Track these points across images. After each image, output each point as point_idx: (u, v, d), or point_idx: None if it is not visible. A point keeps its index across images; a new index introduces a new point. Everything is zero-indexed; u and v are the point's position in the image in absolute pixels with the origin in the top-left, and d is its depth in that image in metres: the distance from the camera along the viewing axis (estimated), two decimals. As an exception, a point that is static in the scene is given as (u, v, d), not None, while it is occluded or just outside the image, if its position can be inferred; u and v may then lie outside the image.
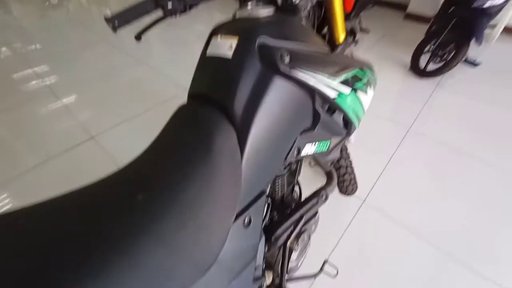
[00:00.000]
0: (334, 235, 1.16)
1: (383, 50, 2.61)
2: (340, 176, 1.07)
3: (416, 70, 2.25)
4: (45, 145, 1.58)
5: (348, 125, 0.63)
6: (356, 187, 1.21)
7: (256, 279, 0.52)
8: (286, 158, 0.51)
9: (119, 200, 0.34)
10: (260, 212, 0.48)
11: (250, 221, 0.45)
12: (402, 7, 3.42)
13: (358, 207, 1.26)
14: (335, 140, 0.64)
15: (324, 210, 1.19)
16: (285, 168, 0.63)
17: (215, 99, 0.44)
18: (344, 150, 0.98)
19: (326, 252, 1.10)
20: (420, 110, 1.91)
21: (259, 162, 0.45)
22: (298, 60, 0.46)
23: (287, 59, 0.44)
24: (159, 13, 0.50)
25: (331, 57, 0.53)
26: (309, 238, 0.72)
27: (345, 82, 0.54)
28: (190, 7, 0.53)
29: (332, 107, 0.56)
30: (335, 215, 1.22)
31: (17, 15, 3.38)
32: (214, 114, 0.43)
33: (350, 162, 1.05)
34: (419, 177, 1.42)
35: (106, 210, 0.32)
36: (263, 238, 0.53)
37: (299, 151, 0.53)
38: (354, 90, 0.57)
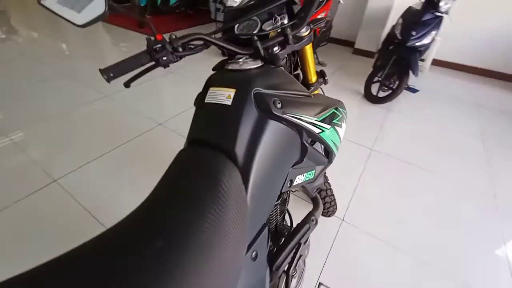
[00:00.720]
0: (321, 255, 1.20)
1: (339, 81, 2.93)
2: (322, 199, 1.15)
3: (369, 97, 2.56)
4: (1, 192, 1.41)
5: (329, 154, 0.72)
6: (336, 208, 1.30)
7: None
8: (281, 190, 0.57)
9: (139, 249, 0.34)
10: (264, 244, 0.52)
11: (257, 254, 0.48)
12: (351, 44, 3.93)
13: (338, 226, 1.34)
14: (319, 168, 0.72)
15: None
16: (278, 199, 0.69)
17: (216, 142, 0.49)
18: (323, 176, 1.08)
19: (315, 273, 1.13)
20: (378, 131, 2.16)
21: (260, 196, 0.49)
22: (288, 105, 0.54)
23: (279, 105, 0.52)
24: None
25: (312, 99, 0.62)
26: (304, 263, 0.76)
27: (325, 120, 0.63)
28: (181, 57, 0.59)
29: (316, 140, 0.64)
30: (318, 235, 1.27)
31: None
32: (217, 155, 0.47)
33: (329, 185, 1.14)
34: (386, 191, 1.58)
35: (130, 262, 0.32)
36: (268, 270, 0.56)
37: (291, 182, 0.59)
38: (333, 125, 0.66)
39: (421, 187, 1.64)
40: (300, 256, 0.69)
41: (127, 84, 0.63)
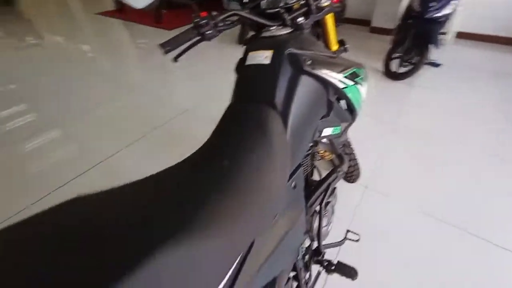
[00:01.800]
0: (345, 219, 1.28)
1: (357, 59, 2.92)
2: (349, 166, 1.22)
3: (389, 74, 2.54)
4: (48, 179, 1.61)
5: (352, 112, 0.79)
6: (359, 173, 1.37)
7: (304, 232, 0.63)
8: (312, 137, 0.66)
9: (212, 166, 0.45)
10: (301, 179, 0.61)
11: (296, 185, 0.58)
12: (366, 23, 3.85)
13: (362, 192, 1.41)
14: (343, 125, 0.79)
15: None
16: (310, 148, 0.77)
17: (259, 95, 0.58)
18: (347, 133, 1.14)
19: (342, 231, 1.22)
20: (400, 106, 2.16)
21: (297, 138, 0.58)
22: (316, 62, 0.62)
23: (309, 62, 0.60)
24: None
25: (336, 59, 0.70)
26: (332, 209, 0.85)
27: (348, 77, 0.71)
28: (221, 31, 0.69)
29: (340, 96, 0.72)
30: (342, 202, 1.35)
31: None
32: (260, 105, 0.56)
33: (352, 149, 1.21)
34: (408, 161, 1.61)
35: (205, 174, 0.43)
36: (304, 203, 0.66)
37: (320, 133, 0.68)
38: (355, 83, 0.73)
39: (447, 158, 1.65)
40: (329, 201, 0.78)
41: (175, 59, 0.74)
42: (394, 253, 1.16)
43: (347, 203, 1.35)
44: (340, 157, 0.86)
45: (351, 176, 1.34)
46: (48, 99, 2.45)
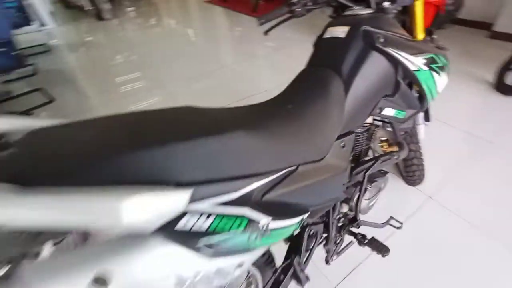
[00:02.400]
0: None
1: (461, 66, 2.54)
2: (409, 160, 1.18)
3: (501, 87, 2.14)
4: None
5: (422, 100, 0.80)
6: (423, 177, 1.28)
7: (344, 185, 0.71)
8: (371, 112, 0.71)
9: (278, 109, 0.59)
10: (350, 143, 0.68)
11: (344, 145, 0.66)
12: (486, 26, 3.24)
13: (424, 200, 1.32)
14: (410, 111, 0.81)
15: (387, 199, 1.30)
16: (369, 125, 0.82)
17: (329, 63, 0.68)
18: (414, 136, 1.10)
19: (387, 233, 1.20)
20: (503, 123, 1.83)
21: (354, 107, 0.66)
22: (389, 42, 0.67)
23: (381, 40, 0.66)
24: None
25: (413, 42, 0.72)
26: (378, 191, 0.88)
27: (423, 61, 0.72)
28: (309, 11, 0.80)
29: (411, 79, 0.74)
30: (398, 205, 1.30)
31: (127, 32, 4.36)
32: (327, 71, 0.66)
33: (420, 147, 1.15)
34: (497, 185, 1.39)
35: (274, 114, 0.56)
36: (349, 168, 0.73)
37: (380, 110, 0.73)
38: (430, 69, 0.74)
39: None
40: (376, 181, 0.81)
41: (266, 32, 0.90)
42: (443, 269, 1.07)
43: (404, 206, 1.30)
44: (399, 144, 0.87)
45: (413, 176, 1.26)
46: (157, 69, 3.05)
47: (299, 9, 0.78)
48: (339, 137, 0.65)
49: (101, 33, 4.38)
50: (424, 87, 0.75)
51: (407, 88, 0.75)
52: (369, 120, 0.81)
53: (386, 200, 1.31)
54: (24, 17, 2.89)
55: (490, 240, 1.16)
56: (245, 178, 0.44)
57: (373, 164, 0.75)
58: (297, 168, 0.55)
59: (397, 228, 0.90)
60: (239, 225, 0.42)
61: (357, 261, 1.12)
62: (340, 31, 0.69)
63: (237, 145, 0.43)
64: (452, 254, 1.11)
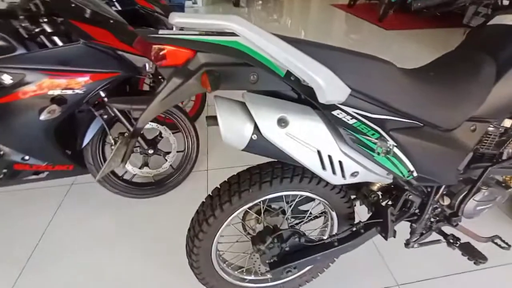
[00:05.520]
0: None
1: None
2: None
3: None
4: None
5: None
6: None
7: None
8: None
9: (418, 72, 0.64)
10: (481, 131, 0.67)
11: (475, 129, 0.67)
12: None
13: None
14: None
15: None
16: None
17: (486, 47, 0.68)
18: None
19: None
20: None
21: (501, 96, 0.65)
22: None
23: None
24: None
25: None
26: (491, 200, 0.81)
27: None
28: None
29: None
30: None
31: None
32: (483, 54, 0.67)
33: None
34: None
35: (415, 73, 0.63)
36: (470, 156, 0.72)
37: None
38: None
39: None
40: (490, 186, 0.76)
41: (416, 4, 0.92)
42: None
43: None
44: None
45: None
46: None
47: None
48: (473, 119, 0.65)
49: (234, 16, 5.06)
50: None
51: None
52: (508, 123, 0.76)
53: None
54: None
55: None
56: (386, 107, 0.54)
57: (496, 163, 0.71)
58: (423, 126, 0.60)
59: (503, 248, 0.81)
60: (373, 135, 0.54)
61: (429, 274, 1.05)
62: (509, 19, 0.69)
63: (388, 73, 0.52)
64: None
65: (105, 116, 1.12)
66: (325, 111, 0.50)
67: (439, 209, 0.83)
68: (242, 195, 0.68)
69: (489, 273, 1.05)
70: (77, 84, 0.96)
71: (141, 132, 1.26)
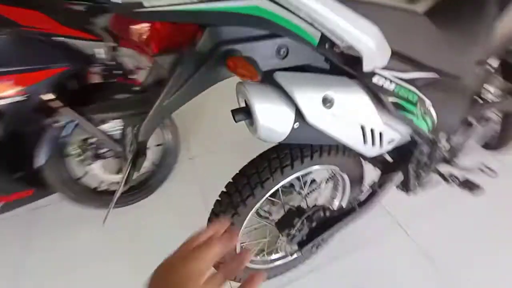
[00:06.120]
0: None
1: None
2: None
3: None
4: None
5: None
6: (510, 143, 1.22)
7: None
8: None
9: (439, 26, 0.60)
10: (485, 72, 0.68)
11: (480, 72, 0.67)
12: None
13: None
14: None
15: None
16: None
17: None
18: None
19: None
20: None
21: (503, 33, 0.64)
22: None
23: None
24: None
25: None
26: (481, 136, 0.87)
27: None
28: None
29: None
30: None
31: None
32: None
33: None
34: None
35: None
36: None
37: None
38: None
39: None
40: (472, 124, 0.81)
41: None
42: None
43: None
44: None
45: (506, 135, 1.19)
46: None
47: None
48: (479, 63, 0.65)
49: None
50: None
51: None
52: (495, 63, 0.79)
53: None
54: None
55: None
56: (415, 63, 0.49)
57: (488, 102, 0.75)
58: (441, 78, 0.58)
59: (490, 175, 0.91)
60: (413, 97, 0.50)
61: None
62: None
63: (420, 27, 0.47)
64: None
65: (60, 123, 0.90)
66: (366, 80, 0.43)
67: (441, 154, 0.88)
68: (265, 184, 0.62)
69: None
70: (12, 89, 0.73)
71: (109, 135, 1.08)
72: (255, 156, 0.67)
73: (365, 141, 0.51)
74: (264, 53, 0.37)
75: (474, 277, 0.99)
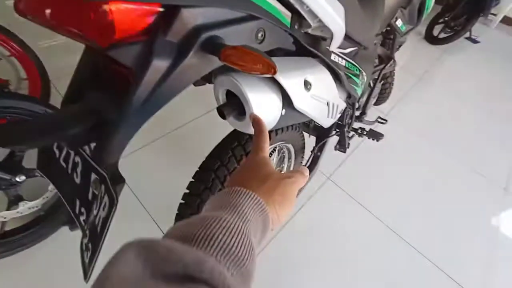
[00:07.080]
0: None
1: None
2: (388, 77, 1.45)
3: (429, 37, 2.65)
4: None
5: (419, 17, 1.01)
6: (387, 99, 1.60)
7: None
8: (389, 20, 0.88)
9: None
10: (380, 41, 0.84)
11: (377, 42, 0.82)
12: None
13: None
14: (408, 27, 1.01)
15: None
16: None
17: None
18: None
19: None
20: (427, 67, 2.34)
21: (386, 9, 0.80)
22: None
23: None
24: None
25: None
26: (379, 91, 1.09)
27: None
28: None
29: None
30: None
31: None
32: None
33: (393, 74, 1.43)
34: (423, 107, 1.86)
35: None
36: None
37: (396, 19, 0.91)
38: None
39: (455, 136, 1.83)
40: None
41: None
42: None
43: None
44: (391, 58, 1.09)
45: (384, 93, 1.55)
46: None
47: None
48: (377, 34, 0.80)
49: None
50: (427, 5, 0.95)
51: (415, 3, 0.93)
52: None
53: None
54: None
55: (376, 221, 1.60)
56: (351, 40, 0.55)
57: (384, 67, 0.96)
58: (358, 49, 0.69)
59: (383, 123, 1.18)
60: (356, 69, 0.57)
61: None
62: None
63: (353, 5, 0.53)
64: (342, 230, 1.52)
65: None
66: (327, 59, 0.46)
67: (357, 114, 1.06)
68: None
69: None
70: None
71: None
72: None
73: (328, 114, 0.56)
74: (245, 37, 0.34)
75: (376, 191, 1.32)
